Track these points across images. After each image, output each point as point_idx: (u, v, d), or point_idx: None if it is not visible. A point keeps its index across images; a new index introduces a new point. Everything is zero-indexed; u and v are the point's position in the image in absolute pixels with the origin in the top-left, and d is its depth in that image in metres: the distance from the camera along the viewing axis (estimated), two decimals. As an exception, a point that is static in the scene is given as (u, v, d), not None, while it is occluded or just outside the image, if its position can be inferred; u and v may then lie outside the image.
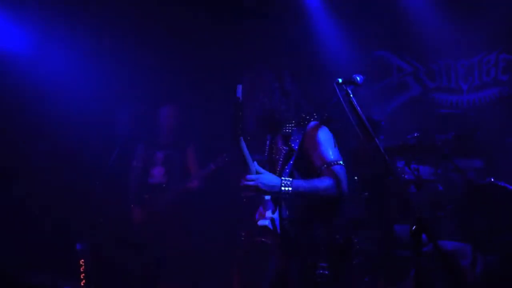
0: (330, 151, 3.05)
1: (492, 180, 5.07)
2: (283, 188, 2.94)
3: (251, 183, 2.96)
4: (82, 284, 4.90)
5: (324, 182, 2.97)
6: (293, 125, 3.22)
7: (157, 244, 5.00)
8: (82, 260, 4.98)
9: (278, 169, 3.19)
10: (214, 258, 5.15)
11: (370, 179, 4.73)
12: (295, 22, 6.65)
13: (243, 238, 4.87)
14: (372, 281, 4.40)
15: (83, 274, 4.95)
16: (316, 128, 3.12)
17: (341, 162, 3.05)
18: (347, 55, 6.58)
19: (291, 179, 2.99)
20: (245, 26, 6.38)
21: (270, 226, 3.07)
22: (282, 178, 2.98)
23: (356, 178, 4.55)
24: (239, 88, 2.97)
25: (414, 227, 2.60)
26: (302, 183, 2.98)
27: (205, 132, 5.70)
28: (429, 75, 6.54)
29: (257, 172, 3.02)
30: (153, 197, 5.21)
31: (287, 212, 3.13)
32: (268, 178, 2.98)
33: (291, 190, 2.94)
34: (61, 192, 5.38)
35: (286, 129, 3.24)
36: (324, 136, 3.10)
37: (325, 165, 3.02)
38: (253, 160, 3.05)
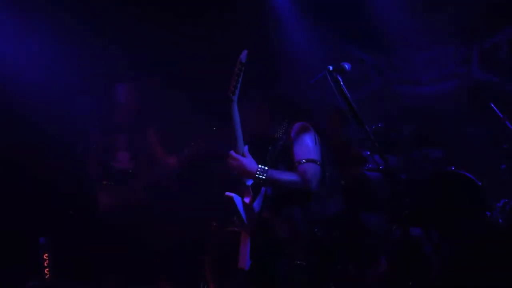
0: (309, 149, 3.24)
1: (453, 169, 5.27)
2: (258, 174, 3.12)
3: (233, 161, 3.14)
4: (46, 278, 4.78)
5: (293, 177, 3.18)
6: (284, 129, 3.42)
7: (126, 235, 4.86)
8: (46, 255, 4.85)
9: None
10: (185, 247, 5.09)
11: (341, 168, 4.82)
12: (259, 15, 6.66)
13: (214, 227, 4.89)
14: (343, 268, 4.47)
15: (47, 269, 4.84)
16: (300, 126, 3.31)
17: (316, 161, 3.22)
18: (310, 47, 6.66)
19: (266, 168, 3.15)
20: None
21: (236, 200, 3.19)
22: (259, 166, 3.14)
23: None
24: (245, 52, 3.06)
25: (406, 212, 2.69)
26: (276, 174, 3.17)
27: (168, 113, 5.50)
28: (391, 67, 6.71)
29: (243, 155, 3.17)
30: (120, 184, 4.95)
31: (268, 202, 3.29)
32: (248, 162, 3.15)
33: (264, 177, 3.13)
34: (22, 184, 5.19)
35: (277, 134, 3.44)
36: (307, 134, 3.28)
37: (302, 161, 3.20)
38: (245, 144, 3.19)
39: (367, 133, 2.82)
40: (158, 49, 5.91)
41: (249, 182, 3.24)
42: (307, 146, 3.23)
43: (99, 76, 5.42)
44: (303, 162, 3.19)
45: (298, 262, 3.23)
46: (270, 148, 3.42)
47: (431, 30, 6.25)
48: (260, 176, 3.11)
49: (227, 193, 3.19)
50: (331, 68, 2.89)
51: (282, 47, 6.61)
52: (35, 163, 5.23)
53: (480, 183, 5.06)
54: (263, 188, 3.28)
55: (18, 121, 5.18)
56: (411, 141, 5.39)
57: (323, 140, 3.34)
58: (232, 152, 3.14)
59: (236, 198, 3.19)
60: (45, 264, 4.82)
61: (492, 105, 5.14)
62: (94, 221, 4.86)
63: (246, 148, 3.18)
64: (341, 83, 2.87)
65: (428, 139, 5.61)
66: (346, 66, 2.94)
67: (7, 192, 5.12)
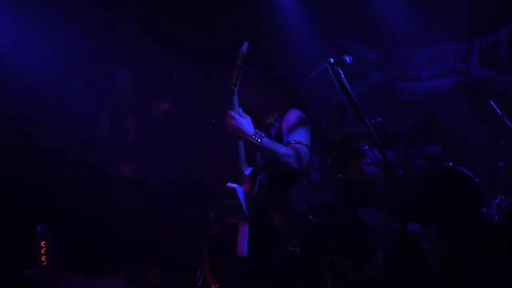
0: (299, 133, 3.24)
1: (451, 165, 5.28)
2: (253, 138, 3.06)
3: (232, 120, 3.05)
4: (43, 266, 4.79)
5: (286, 150, 3.15)
6: (276, 116, 3.41)
7: (124, 225, 4.90)
8: (43, 242, 4.86)
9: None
10: (183, 239, 5.10)
11: (341, 161, 4.83)
12: (260, 10, 6.65)
13: (212, 219, 4.89)
14: (339, 261, 4.49)
15: (44, 256, 4.84)
16: (293, 114, 3.31)
17: (306, 144, 3.22)
18: (310, 41, 6.66)
19: (264, 134, 3.11)
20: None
21: (238, 191, 3.17)
22: (256, 130, 3.10)
23: (329, 160, 4.63)
24: (246, 44, 3.02)
25: (403, 207, 2.68)
26: (270, 143, 3.12)
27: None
28: (390, 63, 6.71)
29: (241, 115, 3.11)
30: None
31: (263, 191, 3.28)
32: (247, 123, 3.09)
33: (258, 143, 3.07)
34: (21, 174, 5.20)
35: (268, 121, 3.43)
36: (299, 121, 3.27)
37: (292, 141, 3.21)
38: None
39: (367, 128, 2.80)
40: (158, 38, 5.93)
41: (248, 171, 3.21)
42: (298, 131, 3.24)
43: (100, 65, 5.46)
44: (293, 142, 3.19)
45: (292, 248, 3.24)
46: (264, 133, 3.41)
47: (432, 27, 6.25)
48: (255, 140, 3.05)
49: (230, 184, 3.17)
50: (332, 60, 2.89)
51: (281, 41, 6.61)
52: (33, 154, 5.27)
53: (477, 180, 5.07)
54: (258, 177, 3.27)
55: (18, 116, 5.22)
56: (409, 137, 5.38)
57: (315, 130, 3.34)
58: (231, 112, 3.06)
59: (239, 189, 3.17)
60: (43, 252, 4.84)
61: (491, 102, 5.15)
62: (92, 213, 4.90)
63: (240, 110, 3.12)
64: (342, 75, 2.86)
65: (427, 135, 5.61)
66: (347, 59, 2.93)
67: (6, 184, 5.15)
